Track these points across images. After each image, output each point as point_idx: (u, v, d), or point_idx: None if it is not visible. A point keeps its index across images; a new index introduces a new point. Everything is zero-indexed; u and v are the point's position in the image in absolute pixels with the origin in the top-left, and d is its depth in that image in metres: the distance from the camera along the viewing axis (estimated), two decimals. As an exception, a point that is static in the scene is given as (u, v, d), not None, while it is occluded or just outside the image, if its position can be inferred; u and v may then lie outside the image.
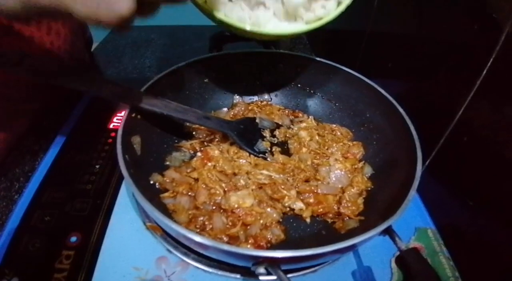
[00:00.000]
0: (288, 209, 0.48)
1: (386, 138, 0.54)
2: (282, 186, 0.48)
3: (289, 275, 0.43)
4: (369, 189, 0.51)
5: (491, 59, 0.45)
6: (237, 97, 0.62)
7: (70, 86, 0.45)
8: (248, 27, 0.42)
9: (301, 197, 0.49)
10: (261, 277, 0.43)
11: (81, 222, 0.48)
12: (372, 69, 0.58)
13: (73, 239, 0.46)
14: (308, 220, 0.47)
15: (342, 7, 0.44)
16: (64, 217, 0.49)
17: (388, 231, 0.39)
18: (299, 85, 0.64)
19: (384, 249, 0.47)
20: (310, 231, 0.47)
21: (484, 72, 0.46)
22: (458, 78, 0.52)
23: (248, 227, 0.44)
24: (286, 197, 0.47)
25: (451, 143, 0.52)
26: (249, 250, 0.38)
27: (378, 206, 0.47)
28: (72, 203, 0.50)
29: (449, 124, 0.51)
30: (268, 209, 0.46)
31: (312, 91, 0.63)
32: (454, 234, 0.53)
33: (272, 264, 0.35)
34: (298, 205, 0.47)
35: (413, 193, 0.40)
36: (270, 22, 0.44)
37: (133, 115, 0.47)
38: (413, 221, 0.54)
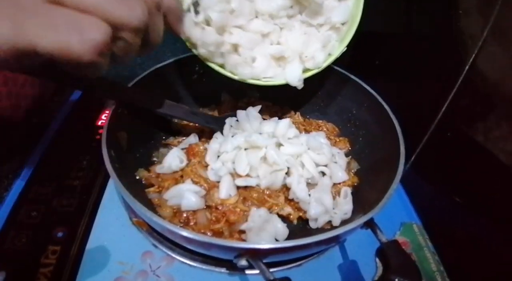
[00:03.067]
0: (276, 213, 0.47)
1: (372, 134, 0.54)
2: (268, 192, 0.47)
3: (273, 269, 0.44)
4: (355, 184, 0.52)
5: (470, 60, 0.46)
6: (225, 94, 0.62)
7: (57, 81, 0.45)
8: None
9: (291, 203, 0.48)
10: (246, 271, 0.44)
11: (67, 217, 0.48)
12: (359, 67, 0.59)
13: (60, 234, 0.46)
14: (295, 221, 0.47)
15: (331, 59, 0.48)
16: (51, 213, 0.49)
17: (370, 224, 0.40)
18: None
19: (370, 243, 0.47)
20: (296, 226, 0.47)
21: (465, 70, 0.47)
22: (441, 76, 0.53)
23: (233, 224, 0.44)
24: (274, 206, 0.46)
25: (436, 139, 0.53)
26: (229, 242, 0.38)
27: (364, 201, 0.48)
28: (59, 198, 0.51)
29: (433, 120, 0.52)
30: (254, 208, 0.44)
31: (300, 88, 0.63)
32: (439, 228, 0.53)
33: (254, 257, 0.35)
34: (287, 210, 0.47)
35: (394, 187, 0.40)
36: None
37: (120, 110, 0.47)
38: (398, 216, 0.55)
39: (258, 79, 0.47)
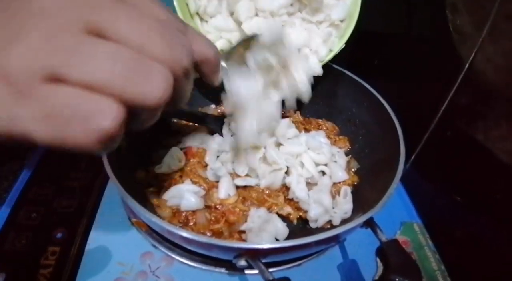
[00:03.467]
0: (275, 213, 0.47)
1: (372, 133, 0.54)
2: (267, 191, 0.47)
3: (273, 269, 0.44)
4: (355, 183, 0.52)
5: (470, 59, 0.45)
6: (225, 94, 0.62)
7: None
8: None
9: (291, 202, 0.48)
10: (245, 271, 0.44)
11: (67, 218, 0.48)
12: (359, 66, 0.58)
13: (59, 235, 0.46)
14: (295, 221, 0.47)
15: (331, 54, 0.50)
16: (51, 214, 0.49)
17: (370, 224, 0.40)
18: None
19: (370, 243, 0.47)
20: (295, 226, 0.47)
21: (465, 69, 0.46)
22: (441, 75, 0.52)
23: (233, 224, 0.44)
24: (274, 206, 0.46)
25: (436, 138, 0.53)
26: (228, 242, 0.38)
27: (364, 200, 0.48)
28: (58, 199, 0.51)
29: (432, 119, 0.52)
30: (253, 209, 0.44)
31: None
32: (440, 228, 0.53)
33: (253, 257, 0.35)
34: (286, 210, 0.46)
35: (395, 185, 0.40)
36: None
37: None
38: (399, 215, 0.54)
39: None
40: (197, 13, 0.52)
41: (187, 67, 0.22)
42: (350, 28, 0.48)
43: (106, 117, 0.18)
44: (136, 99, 0.19)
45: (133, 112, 0.20)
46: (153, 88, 0.20)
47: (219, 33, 0.51)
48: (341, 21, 0.50)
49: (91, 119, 0.18)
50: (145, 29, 0.20)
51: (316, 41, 0.50)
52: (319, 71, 0.50)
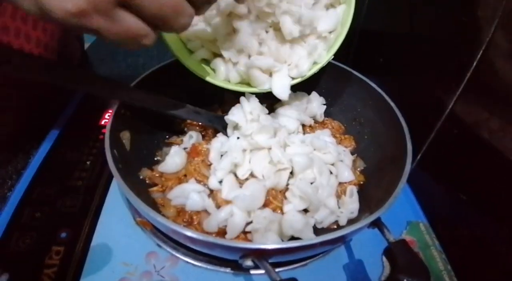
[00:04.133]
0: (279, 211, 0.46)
1: (378, 132, 0.54)
2: (273, 192, 0.46)
3: (279, 269, 0.43)
4: (361, 183, 0.51)
5: (479, 55, 0.45)
6: (228, 93, 0.62)
7: (58, 83, 0.45)
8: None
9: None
10: (251, 271, 0.43)
11: (71, 218, 0.48)
12: (364, 65, 0.58)
13: (63, 235, 0.46)
14: None
15: (317, 67, 0.46)
16: (55, 214, 0.49)
17: (377, 224, 0.39)
18: (291, 80, 0.63)
19: (376, 242, 0.47)
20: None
21: (473, 66, 0.46)
22: (448, 72, 0.52)
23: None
24: (278, 209, 0.45)
25: (442, 137, 0.52)
26: (234, 242, 0.38)
27: (370, 200, 0.47)
28: (62, 199, 0.50)
29: (439, 118, 0.51)
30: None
31: (304, 86, 0.63)
32: (446, 227, 0.53)
33: (259, 257, 0.34)
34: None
35: (402, 185, 0.40)
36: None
37: (122, 110, 0.47)
38: (405, 215, 0.54)
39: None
40: None
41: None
42: (340, 39, 0.45)
43: (147, 39, 0.30)
44: (169, 30, 0.31)
45: None
46: (181, 23, 0.30)
47: (200, 42, 0.50)
48: (330, 32, 0.47)
49: (140, 39, 0.29)
50: None
51: (299, 54, 0.46)
52: (284, 97, 0.46)
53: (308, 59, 0.46)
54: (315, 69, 0.47)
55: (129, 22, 0.28)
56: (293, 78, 0.47)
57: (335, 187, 0.47)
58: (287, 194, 0.45)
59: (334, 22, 0.45)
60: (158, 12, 0.28)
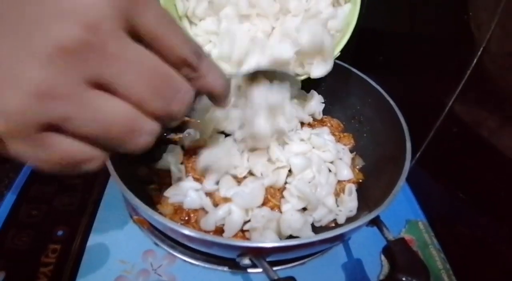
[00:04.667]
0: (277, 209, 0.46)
1: (377, 130, 0.53)
2: (272, 190, 0.46)
3: (277, 267, 0.43)
4: (360, 181, 0.51)
5: (478, 54, 0.45)
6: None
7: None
8: None
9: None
10: (249, 270, 0.43)
11: (68, 216, 0.48)
12: (363, 63, 0.58)
13: (60, 233, 0.46)
14: None
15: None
16: (52, 211, 0.48)
17: (376, 222, 0.39)
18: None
19: (374, 241, 0.47)
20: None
21: (472, 65, 0.46)
22: (447, 71, 0.52)
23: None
24: (276, 207, 0.45)
25: (441, 136, 0.52)
26: (232, 240, 0.38)
27: (369, 198, 0.47)
28: (59, 197, 0.50)
29: (438, 117, 0.51)
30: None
31: (303, 84, 0.62)
32: (445, 226, 0.53)
33: (257, 255, 0.34)
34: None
35: (401, 184, 0.39)
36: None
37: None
38: (403, 213, 0.54)
39: None
40: (186, 16, 0.50)
41: (178, 118, 0.24)
42: (346, 36, 0.46)
43: (92, 164, 0.22)
44: (122, 150, 0.22)
45: None
46: (138, 143, 0.22)
47: (209, 36, 0.49)
48: (337, 31, 0.48)
49: (81, 165, 0.22)
50: (144, 88, 0.21)
51: None
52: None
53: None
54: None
55: (64, 146, 0.20)
56: (298, 75, 0.47)
57: (334, 185, 0.47)
58: (285, 193, 0.45)
59: (342, 21, 0.46)
60: (104, 135, 0.20)
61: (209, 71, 0.26)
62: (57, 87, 0.18)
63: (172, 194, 0.43)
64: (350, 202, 0.45)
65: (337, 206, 0.46)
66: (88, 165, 0.22)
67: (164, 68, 0.22)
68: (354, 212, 0.45)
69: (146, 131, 0.22)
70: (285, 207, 0.44)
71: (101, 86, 0.20)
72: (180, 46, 0.23)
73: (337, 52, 0.47)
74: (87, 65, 0.19)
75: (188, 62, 0.23)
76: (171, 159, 0.46)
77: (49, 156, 0.20)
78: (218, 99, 0.29)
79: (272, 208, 0.44)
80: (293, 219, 0.41)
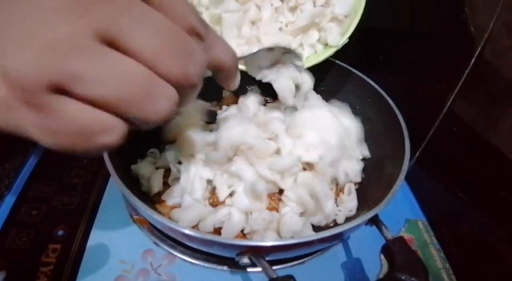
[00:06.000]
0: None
1: (376, 129, 0.53)
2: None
3: (276, 267, 0.43)
4: (360, 180, 0.51)
5: (477, 53, 0.45)
6: (227, 90, 0.62)
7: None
8: None
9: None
10: (248, 269, 0.43)
11: (68, 216, 0.48)
12: (363, 62, 0.58)
13: (60, 232, 0.46)
14: None
15: (332, 50, 0.49)
16: (52, 211, 0.49)
17: (375, 221, 0.39)
18: (290, 78, 0.63)
19: (374, 241, 0.47)
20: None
21: (471, 64, 0.46)
22: (446, 70, 0.52)
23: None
24: (274, 210, 0.45)
25: (441, 135, 0.52)
26: (231, 239, 0.38)
27: (368, 198, 0.47)
28: (59, 197, 0.50)
29: (438, 116, 0.51)
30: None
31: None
32: (444, 225, 0.53)
33: (256, 254, 0.34)
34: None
35: (400, 183, 0.39)
36: None
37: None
38: (403, 213, 0.54)
39: None
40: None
41: (195, 83, 0.21)
42: (353, 24, 0.47)
43: (110, 135, 0.19)
44: (140, 118, 0.19)
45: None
46: (157, 109, 0.19)
47: (214, 26, 0.50)
48: (345, 16, 0.49)
49: (96, 137, 0.18)
50: (158, 44, 0.19)
51: (314, 37, 0.49)
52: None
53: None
54: (331, 52, 0.49)
55: (74, 111, 0.18)
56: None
57: (333, 190, 0.47)
58: (283, 197, 0.45)
59: (349, 6, 0.48)
60: (119, 96, 0.18)
61: (216, 43, 0.25)
62: (65, 40, 0.16)
63: (171, 195, 0.43)
64: (350, 202, 0.45)
65: (337, 206, 0.46)
66: (105, 137, 0.18)
67: (178, 28, 0.20)
68: (353, 211, 0.45)
69: (164, 94, 0.19)
70: (284, 210, 0.44)
71: (113, 42, 0.18)
72: (187, 14, 0.22)
73: (345, 39, 0.48)
74: (98, 15, 0.17)
75: (196, 31, 0.22)
76: (171, 158, 0.46)
77: (58, 124, 0.17)
78: (227, 74, 0.28)
79: (270, 210, 0.44)
80: (293, 221, 0.41)
